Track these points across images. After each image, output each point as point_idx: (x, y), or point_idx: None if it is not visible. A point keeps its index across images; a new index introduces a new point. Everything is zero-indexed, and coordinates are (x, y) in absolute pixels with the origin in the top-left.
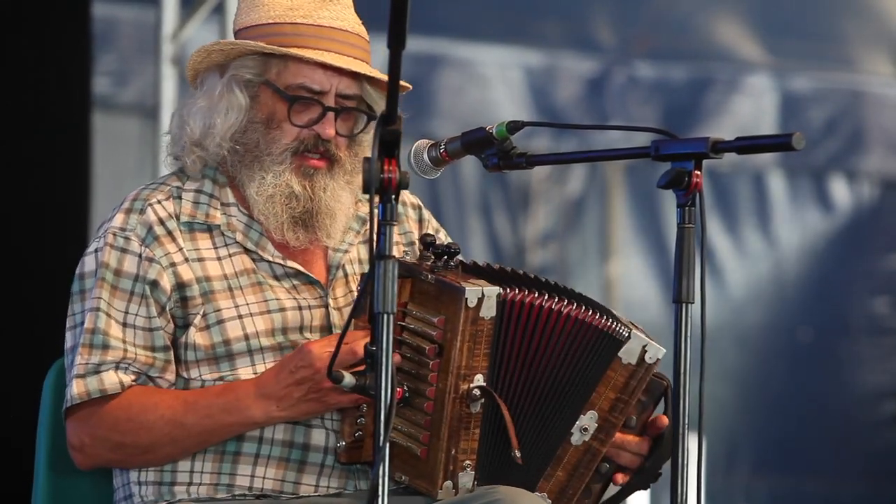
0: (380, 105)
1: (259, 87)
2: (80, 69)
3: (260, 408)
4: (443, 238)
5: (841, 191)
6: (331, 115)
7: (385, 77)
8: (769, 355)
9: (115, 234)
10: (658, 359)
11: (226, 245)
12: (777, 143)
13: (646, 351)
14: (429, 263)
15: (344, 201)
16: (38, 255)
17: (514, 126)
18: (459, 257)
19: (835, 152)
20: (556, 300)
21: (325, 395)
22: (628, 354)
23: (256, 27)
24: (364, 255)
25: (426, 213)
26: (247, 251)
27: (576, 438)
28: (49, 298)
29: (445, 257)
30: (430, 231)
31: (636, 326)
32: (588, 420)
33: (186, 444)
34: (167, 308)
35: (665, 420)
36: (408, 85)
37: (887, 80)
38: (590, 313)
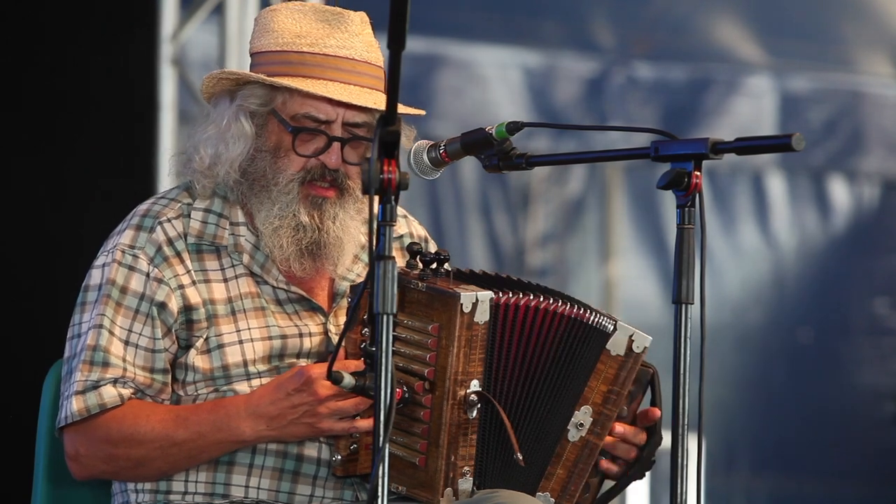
0: None
1: (266, 116)
2: (149, 77)
3: (250, 426)
4: (447, 266)
5: (840, 191)
6: (336, 144)
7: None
8: (769, 356)
9: (123, 252)
10: (646, 347)
11: (232, 266)
12: (777, 144)
13: (633, 341)
14: (416, 272)
15: (352, 231)
16: (40, 257)
17: (514, 127)
18: (448, 265)
19: (834, 153)
20: (544, 300)
21: (319, 422)
22: (616, 346)
23: (265, 54)
24: None
25: (432, 246)
26: (252, 273)
27: (573, 435)
28: (50, 299)
29: (435, 264)
30: None
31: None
32: (583, 415)
33: (177, 460)
34: (173, 329)
35: (657, 412)
36: (420, 111)
37: (886, 81)
38: (576, 309)
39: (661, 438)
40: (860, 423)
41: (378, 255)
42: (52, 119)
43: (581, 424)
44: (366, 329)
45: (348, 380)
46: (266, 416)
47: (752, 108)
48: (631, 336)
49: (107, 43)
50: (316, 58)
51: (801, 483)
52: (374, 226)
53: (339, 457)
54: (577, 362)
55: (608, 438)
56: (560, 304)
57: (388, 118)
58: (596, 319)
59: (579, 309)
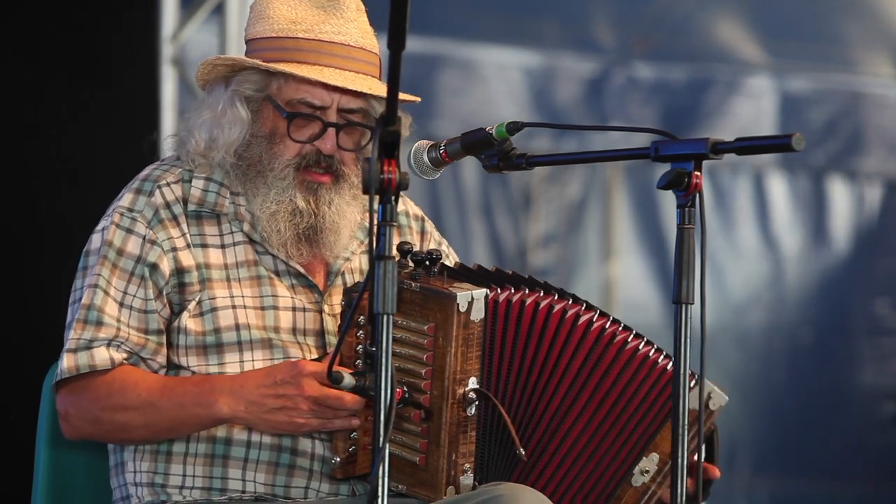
0: None
1: (261, 102)
2: (151, 82)
3: (228, 404)
4: (445, 250)
5: (840, 192)
6: (332, 130)
7: (382, 92)
8: (769, 356)
9: (121, 214)
10: (720, 406)
11: (231, 233)
12: (777, 144)
13: (710, 398)
14: (408, 271)
15: (349, 217)
16: (39, 257)
17: (514, 127)
18: (442, 262)
19: (834, 153)
20: (550, 298)
21: (297, 418)
22: (693, 400)
23: (260, 40)
24: (365, 265)
25: (429, 225)
26: (252, 242)
27: (636, 480)
28: (50, 299)
29: (427, 263)
30: (432, 243)
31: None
32: (649, 462)
33: (158, 429)
34: (164, 292)
35: (717, 472)
36: (416, 98)
37: (887, 82)
38: (639, 340)
39: (708, 494)
40: (860, 423)
41: (378, 255)
42: (52, 120)
43: (646, 471)
44: (360, 331)
45: (348, 380)
46: (247, 399)
47: (753, 108)
48: (710, 393)
49: (107, 43)
50: (311, 43)
51: (801, 483)
52: (374, 226)
53: (338, 459)
54: (648, 407)
55: None
56: (591, 311)
57: (388, 118)
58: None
59: (655, 350)
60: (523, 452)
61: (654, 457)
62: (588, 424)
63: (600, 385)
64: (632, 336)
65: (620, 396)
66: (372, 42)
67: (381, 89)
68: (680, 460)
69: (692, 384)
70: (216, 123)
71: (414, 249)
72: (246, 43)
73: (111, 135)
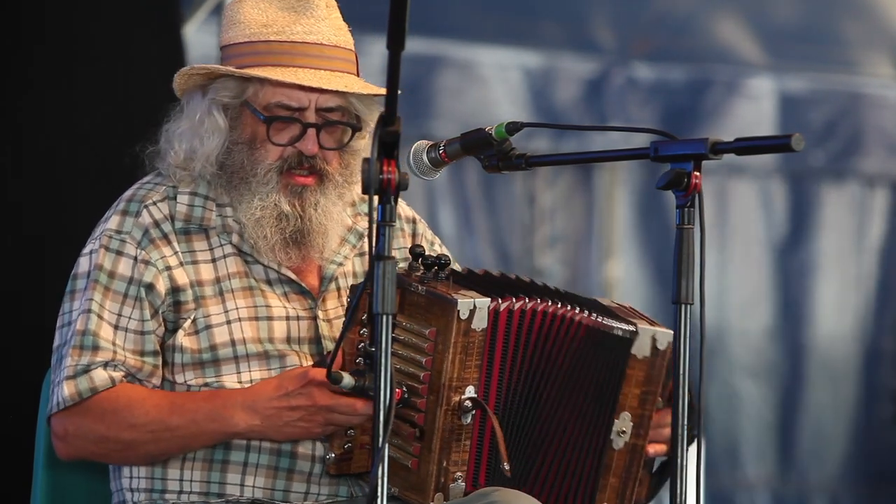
0: (366, 114)
1: (239, 108)
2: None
3: (244, 419)
4: (437, 249)
5: (840, 193)
6: (312, 131)
7: (358, 89)
8: (769, 356)
9: (110, 237)
10: (669, 342)
11: (221, 245)
12: (776, 145)
13: (656, 340)
14: (418, 274)
15: (336, 217)
16: (39, 257)
17: (514, 127)
18: (451, 267)
19: (834, 154)
20: (552, 304)
21: (314, 428)
22: (640, 349)
23: (234, 46)
24: (359, 268)
25: (420, 227)
26: (241, 253)
27: (617, 443)
28: (49, 300)
29: (436, 268)
30: (425, 243)
31: (634, 313)
32: (622, 422)
33: (168, 446)
34: (160, 311)
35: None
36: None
37: (886, 82)
38: (588, 315)
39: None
40: (860, 423)
41: (378, 255)
42: (51, 121)
43: (623, 431)
44: (363, 329)
45: (347, 380)
46: (262, 412)
47: (752, 108)
48: (653, 336)
49: (106, 43)
50: (283, 45)
51: (801, 483)
52: (374, 226)
53: (333, 455)
54: (604, 372)
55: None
56: (573, 309)
57: (388, 118)
58: (615, 326)
59: (597, 316)
60: (507, 468)
61: (626, 415)
62: (570, 418)
63: (570, 376)
64: (585, 312)
65: (574, 376)
66: (346, 38)
67: (357, 86)
68: (680, 460)
69: (632, 333)
70: (195, 134)
71: (426, 253)
72: (220, 49)
73: (112, 134)
